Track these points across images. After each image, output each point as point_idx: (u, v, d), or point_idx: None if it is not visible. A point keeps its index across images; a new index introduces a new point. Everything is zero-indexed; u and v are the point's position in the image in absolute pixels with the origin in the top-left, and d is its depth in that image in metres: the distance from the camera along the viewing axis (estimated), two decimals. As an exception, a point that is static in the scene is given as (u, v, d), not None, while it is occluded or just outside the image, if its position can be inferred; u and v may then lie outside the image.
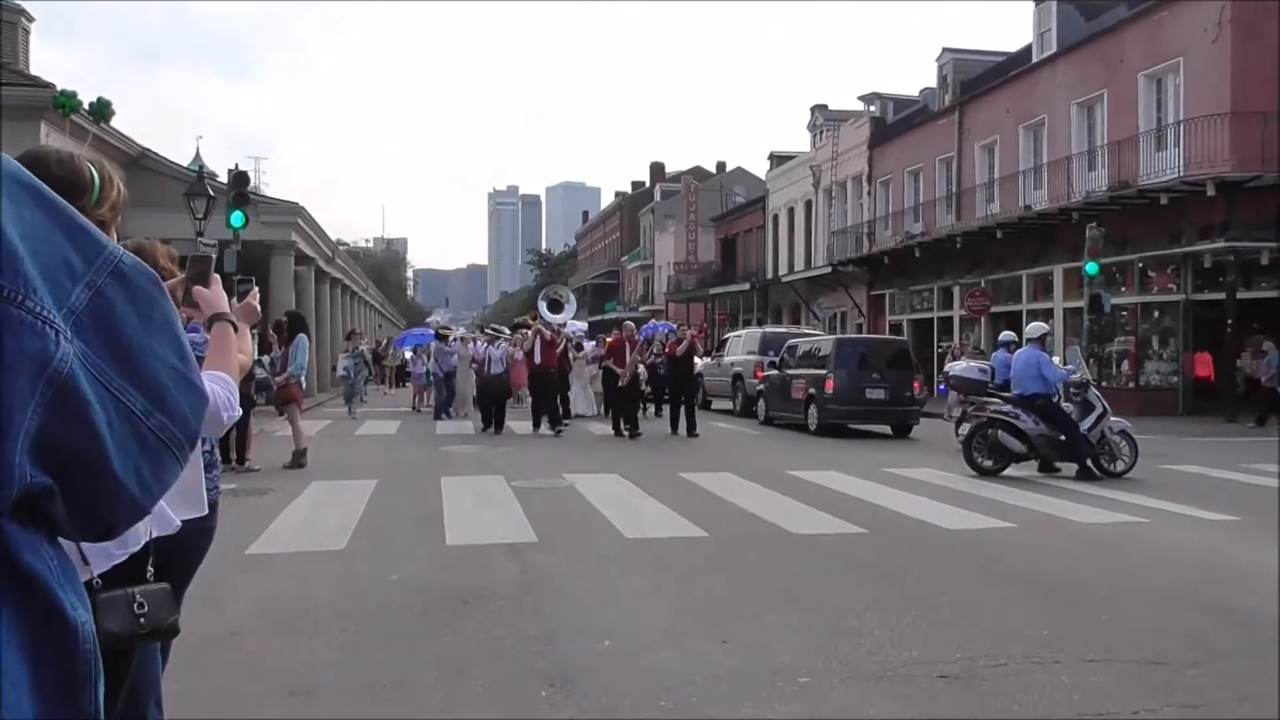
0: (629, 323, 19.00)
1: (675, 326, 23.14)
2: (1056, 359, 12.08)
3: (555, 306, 19.57)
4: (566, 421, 17.53)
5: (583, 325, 29.49)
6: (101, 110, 16.93)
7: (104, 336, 0.85)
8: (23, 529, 0.82)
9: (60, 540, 0.90)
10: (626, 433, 15.82)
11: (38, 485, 0.82)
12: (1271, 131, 19.25)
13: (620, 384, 16.36)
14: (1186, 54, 20.94)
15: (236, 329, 2.23)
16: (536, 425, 16.58)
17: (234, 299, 2.48)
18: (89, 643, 0.87)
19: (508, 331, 22.61)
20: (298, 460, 11.25)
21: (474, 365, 19.30)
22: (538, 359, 16.58)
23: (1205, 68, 20.40)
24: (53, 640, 0.84)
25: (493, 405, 16.82)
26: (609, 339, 18.95)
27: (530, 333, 17.55)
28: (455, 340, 21.19)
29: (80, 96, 16.65)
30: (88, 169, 1.84)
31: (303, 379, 11.88)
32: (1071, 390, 11.48)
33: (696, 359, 18.60)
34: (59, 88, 16.62)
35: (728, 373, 22.21)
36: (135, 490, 0.88)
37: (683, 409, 16.35)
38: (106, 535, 0.93)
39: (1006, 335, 14.78)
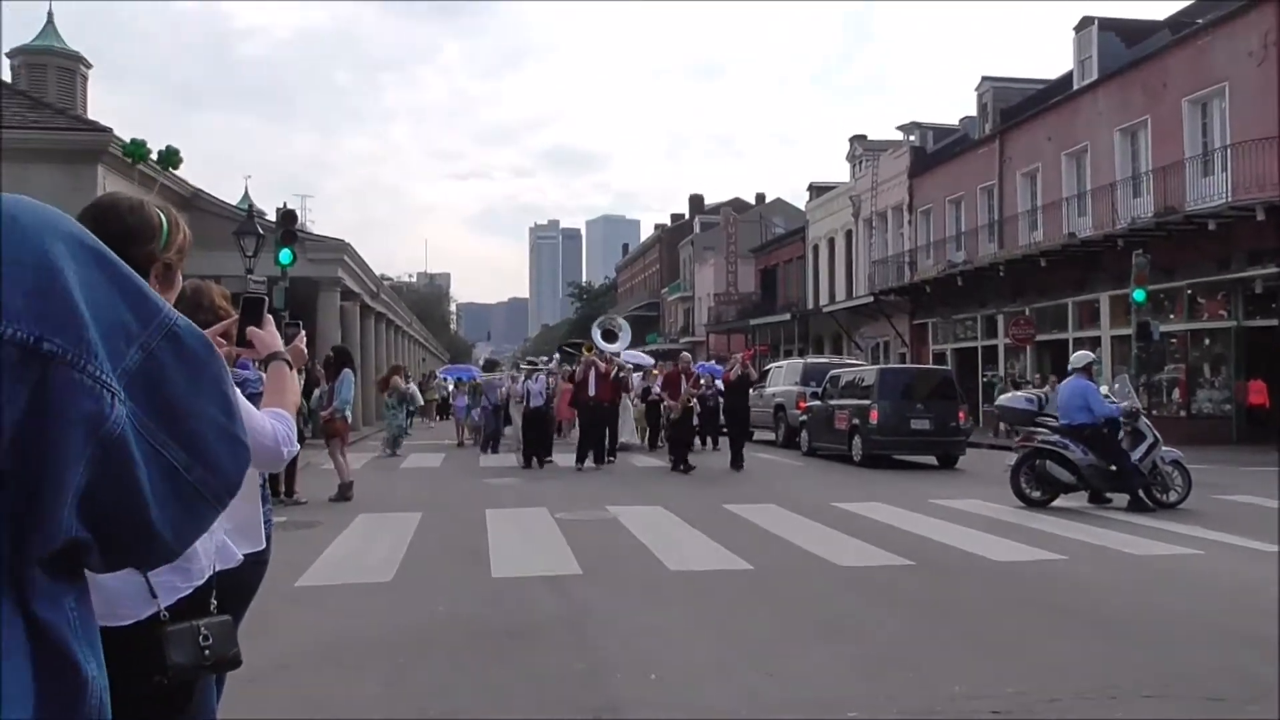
0: (685, 354, 18.66)
1: (721, 366, 22.79)
2: (1104, 388, 11.87)
3: (609, 336, 19.26)
4: (611, 459, 16.87)
5: (648, 359, 28.03)
6: (170, 158, 17.48)
7: (153, 395, 0.87)
8: (49, 580, 0.85)
9: (126, 574, 0.92)
10: (682, 468, 15.25)
11: (79, 539, 0.85)
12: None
13: (673, 417, 15.98)
14: (1231, 78, 20.70)
15: (292, 367, 2.29)
16: (581, 460, 15.94)
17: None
18: (96, 697, 0.88)
19: (544, 360, 22.56)
20: (343, 494, 11.37)
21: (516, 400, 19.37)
22: (591, 390, 16.09)
23: (1251, 92, 20.14)
24: (63, 692, 0.86)
25: (535, 440, 16.45)
26: (664, 370, 18.75)
27: (583, 363, 17.08)
28: (501, 375, 21.10)
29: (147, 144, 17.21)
30: (156, 215, 1.91)
31: (348, 413, 12.00)
32: (1122, 420, 11.28)
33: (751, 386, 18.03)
34: (117, 133, 17.13)
35: (770, 404, 22.12)
36: (169, 539, 0.91)
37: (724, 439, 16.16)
38: (131, 567, 0.97)
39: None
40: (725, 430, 17.30)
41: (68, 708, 0.86)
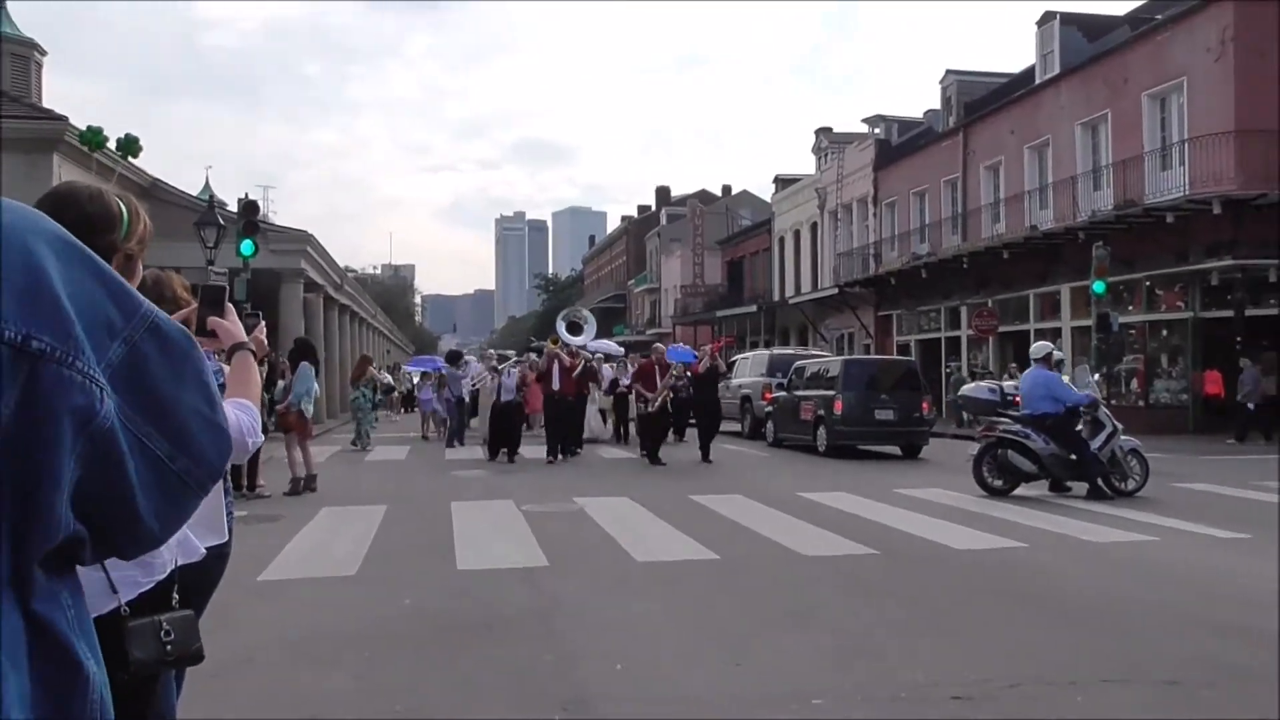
0: (659, 345, 18.37)
1: (695, 352, 22.36)
2: (1065, 377, 12.05)
3: (574, 329, 19.04)
4: (577, 451, 16.85)
5: (618, 348, 26.68)
6: (129, 146, 17.14)
7: (137, 388, 0.89)
8: (46, 577, 0.85)
9: (86, 569, 0.93)
10: (650, 459, 15.19)
11: (77, 534, 0.86)
12: (1276, 149, 19.29)
13: (649, 409, 15.74)
14: (1190, 73, 21.02)
15: (256, 356, 2.26)
16: (552, 454, 15.74)
17: None
18: (97, 693, 0.90)
19: (514, 355, 22.30)
20: (303, 486, 11.27)
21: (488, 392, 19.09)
22: (555, 384, 16.00)
23: (1209, 87, 20.47)
24: (64, 687, 0.87)
25: (504, 433, 16.17)
26: (640, 362, 18.37)
27: (546, 355, 16.96)
28: (466, 365, 20.62)
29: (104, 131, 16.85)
30: (116, 203, 1.88)
31: (307, 407, 11.76)
32: (1082, 410, 11.44)
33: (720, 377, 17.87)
34: (70, 120, 16.81)
35: (736, 395, 22.20)
36: (155, 528, 0.92)
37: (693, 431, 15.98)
38: (116, 556, 0.98)
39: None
40: (694, 422, 17.20)
41: (69, 705, 0.87)
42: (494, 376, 16.81)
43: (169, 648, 1.90)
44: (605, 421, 20.24)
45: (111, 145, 17.11)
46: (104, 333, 0.87)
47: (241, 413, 2.01)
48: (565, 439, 16.23)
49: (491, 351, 18.83)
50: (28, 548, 0.82)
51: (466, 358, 25.27)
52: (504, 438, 16.12)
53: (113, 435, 0.86)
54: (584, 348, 18.71)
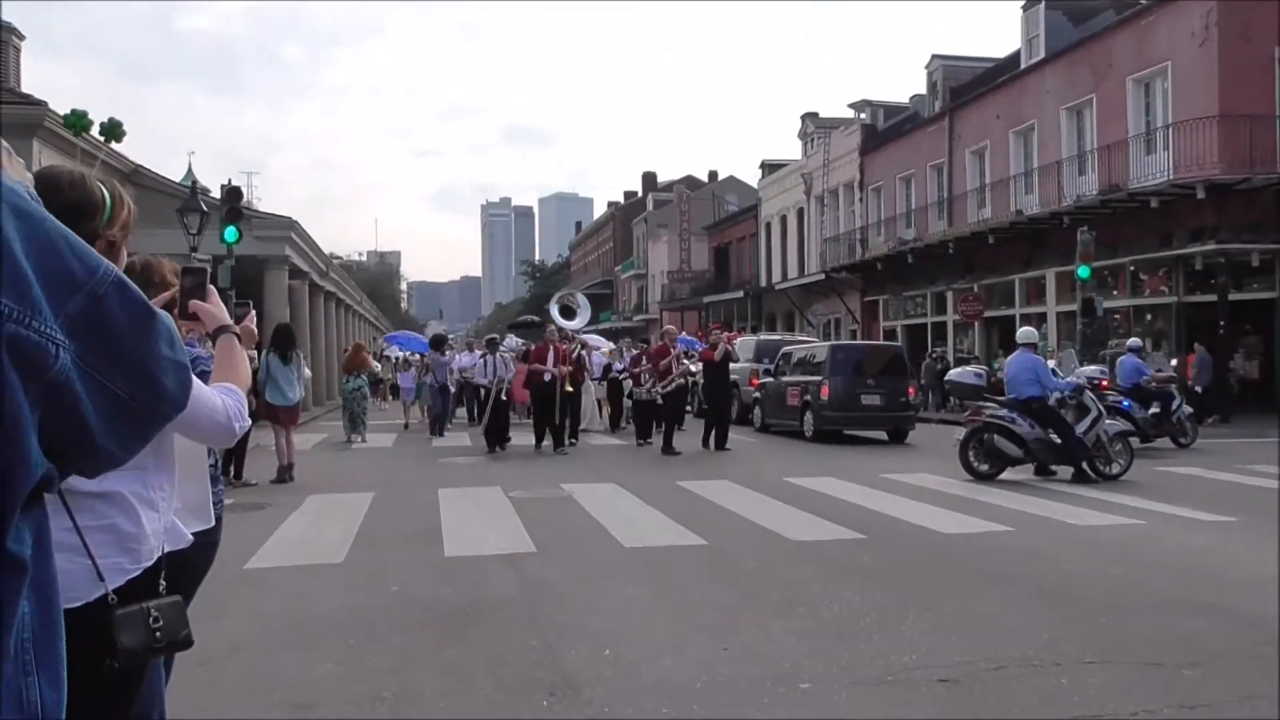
0: (670, 328, 17.75)
1: (699, 340, 21.27)
2: (1051, 363, 12.13)
3: (567, 313, 18.40)
4: (573, 441, 15.98)
5: (603, 341, 24.80)
6: (113, 130, 16.90)
7: (98, 336, 0.96)
8: (21, 517, 0.92)
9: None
10: (664, 448, 14.67)
11: (49, 473, 0.94)
12: (1260, 134, 19.40)
13: (661, 391, 15.22)
14: (1174, 58, 21.08)
15: (241, 340, 2.24)
16: (539, 442, 15.22)
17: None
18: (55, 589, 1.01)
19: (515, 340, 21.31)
20: (284, 476, 11.26)
21: (460, 377, 18.78)
22: (550, 369, 15.14)
23: (1193, 71, 20.53)
24: (47, 616, 0.99)
25: (504, 427, 15.49)
26: (653, 347, 17.74)
27: (545, 340, 16.05)
28: (451, 352, 19.91)
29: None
30: (99, 189, 1.86)
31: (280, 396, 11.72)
32: (1068, 395, 11.52)
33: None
34: (50, 105, 16.64)
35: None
36: (115, 452, 1.01)
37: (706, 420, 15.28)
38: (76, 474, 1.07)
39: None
40: (705, 408, 16.35)
41: (47, 621, 0.98)
42: (491, 364, 16.14)
43: (158, 634, 1.89)
44: (601, 411, 19.73)
45: (95, 130, 16.93)
46: (65, 287, 0.93)
47: (227, 397, 2.00)
48: (557, 429, 15.39)
49: (493, 338, 17.63)
50: (13, 494, 0.89)
51: (451, 342, 24.47)
52: (503, 432, 15.47)
53: (68, 383, 0.93)
54: (578, 333, 18.14)
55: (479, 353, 17.94)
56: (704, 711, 3.86)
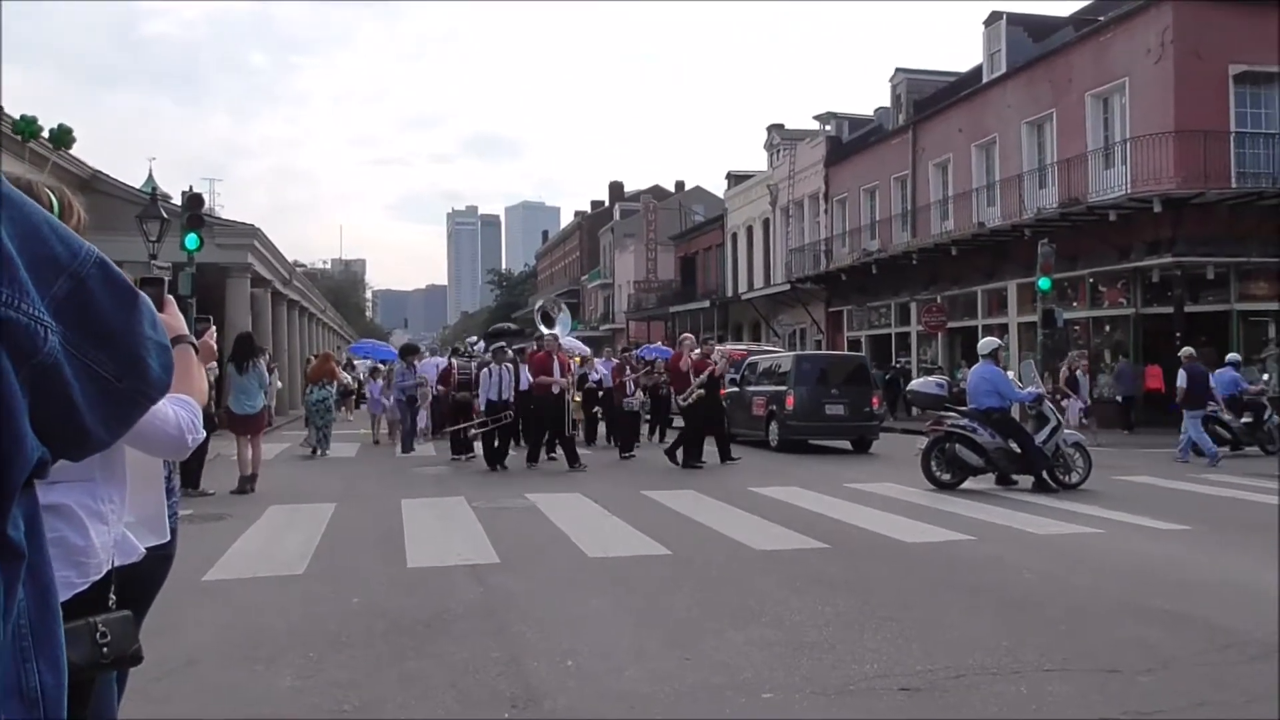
0: (688, 336, 17.03)
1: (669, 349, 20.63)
2: (1011, 373, 12.28)
3: (547, 320, 17.69)
4: (553, 456, 15.03)
5: (582, 347, 22.84)
6: (61, 137, 16.61)
7: (85, 318, 0.97)
8: (14, 502, 0.93)
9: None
10: (698, 464, 14.01)
11: (43, 456, 0.95)
12: (1213, 149, 19.80)
13: (684, 404, 14.50)
14: (1131, 75, 21.47)
15: (198, 350, 2.22)
16: (535, 458, 14.28)
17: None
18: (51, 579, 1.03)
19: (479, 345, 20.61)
20: (244, 486, 11.13)
21: (437, 390, 18.01)
22: (556, 381, 14.20)
23: (1149, 88, 20.93)
24: (39, 598, 1.00)
25: (505, 441, 14.39)
26: (632, 363, 17.52)
27: (546, 347, 14.99)
28: (425, 360, 18.87)
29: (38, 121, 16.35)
30: (47, 195, 1.83)
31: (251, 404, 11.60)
32: (1029, 404, 11.67)
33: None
34: (7, 112, 16.35)
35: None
36: (101, 434, 1.02)
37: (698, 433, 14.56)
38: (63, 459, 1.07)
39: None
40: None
41: (41, 604, 1.00)
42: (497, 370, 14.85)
43: (105, 650, 1.85)
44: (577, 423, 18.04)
45: (45, 135, 16.66)
46: (49, 270, 0.94)
47: (181, 408, 1.97)
48: (570, 444, 14.33)
49: (501, 346, 16.24)
50: (12, 479, 0.90)
51: (424, 350, 22.86)
52: (503, 449, 14.25)
53: (56, 367, 0.93)
54: (556, 339, 17.38)
55: (476, 361, 16.44)
56: (666, 722, 3.86)
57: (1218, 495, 10.70)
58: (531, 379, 14.58)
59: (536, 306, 19.25)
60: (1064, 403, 17.16)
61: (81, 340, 0.96)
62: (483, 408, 14.57)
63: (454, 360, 17.94)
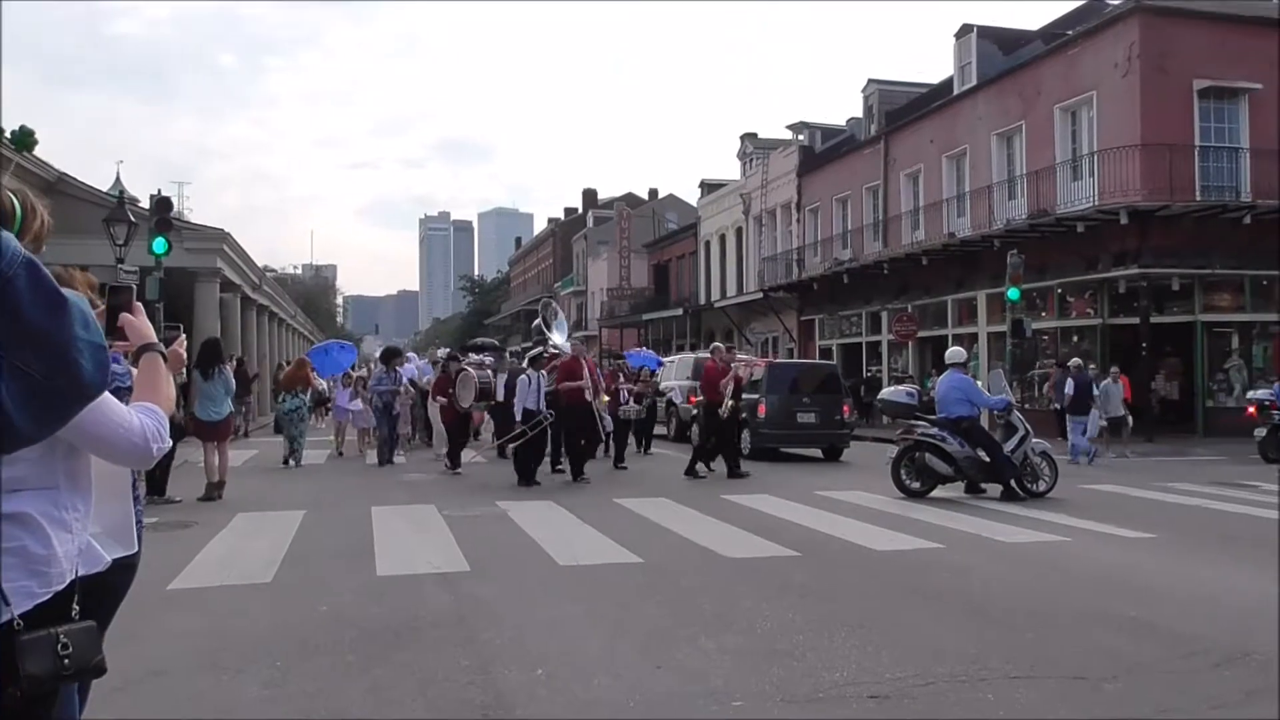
0: (719, 345, 16.77)
1: (659, 358, 20.09)
2: (980, 382, 12.39)
3: (545, 325, 16.59)
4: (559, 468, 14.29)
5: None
6: (23, 140, 16.37)
7: (13, 318, 0.97)
8: None
9: None
10: (731, 471, 13.70)
11: None
12: (1179, 162, 20.12)
13: (722, 413, 13.89)
14: (1099, 88, 21.77)
15: (166, 359, 2.19)
16: (580, 470, 13.31)
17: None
18: None
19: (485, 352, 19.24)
20: (211, 494, 11.02)
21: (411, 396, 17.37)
22: (588, 387, 13.62)
23: (1116, 101, 21.23)
24: None
25: (538, 450, 13.43)
26: (705, 363, 15.65)
27: (573, 352, 14.65)
28: (407, 363, 17.56)
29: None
30: (9, 198, 1.80)
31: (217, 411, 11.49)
32: (997, 413, 11.77)
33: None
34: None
35: (661, 398, 22.24)
36: (30, 430, 1.03)
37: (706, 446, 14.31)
38: None
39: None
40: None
41: None
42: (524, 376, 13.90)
43: (66, 661, 1.82)
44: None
45: (6, 138, 16.44)
46: None
47: (146, 417, 1.94)
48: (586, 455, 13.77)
49: (539, 354, 15.19)
50: None
51: (408, 354, 20.96)
52: (536, 457, 13.32)
53: None
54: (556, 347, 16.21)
55: (506, 368, 15.62)
56: (637, 731, 3.85)
57: (1183, 504, 10.84)
58: (559, 386, 13.78)
59: (541, 305, 17.85)
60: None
61: (9, 340, 0.96)
62: (518, 416, 13.47)
63: (464, 367, 15.70)
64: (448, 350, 23.21)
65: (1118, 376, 17.88)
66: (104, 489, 2.07)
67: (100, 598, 2.25)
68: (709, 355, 15.48)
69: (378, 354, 19.89)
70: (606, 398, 14.91)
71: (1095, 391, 16.74)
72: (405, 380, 17.30)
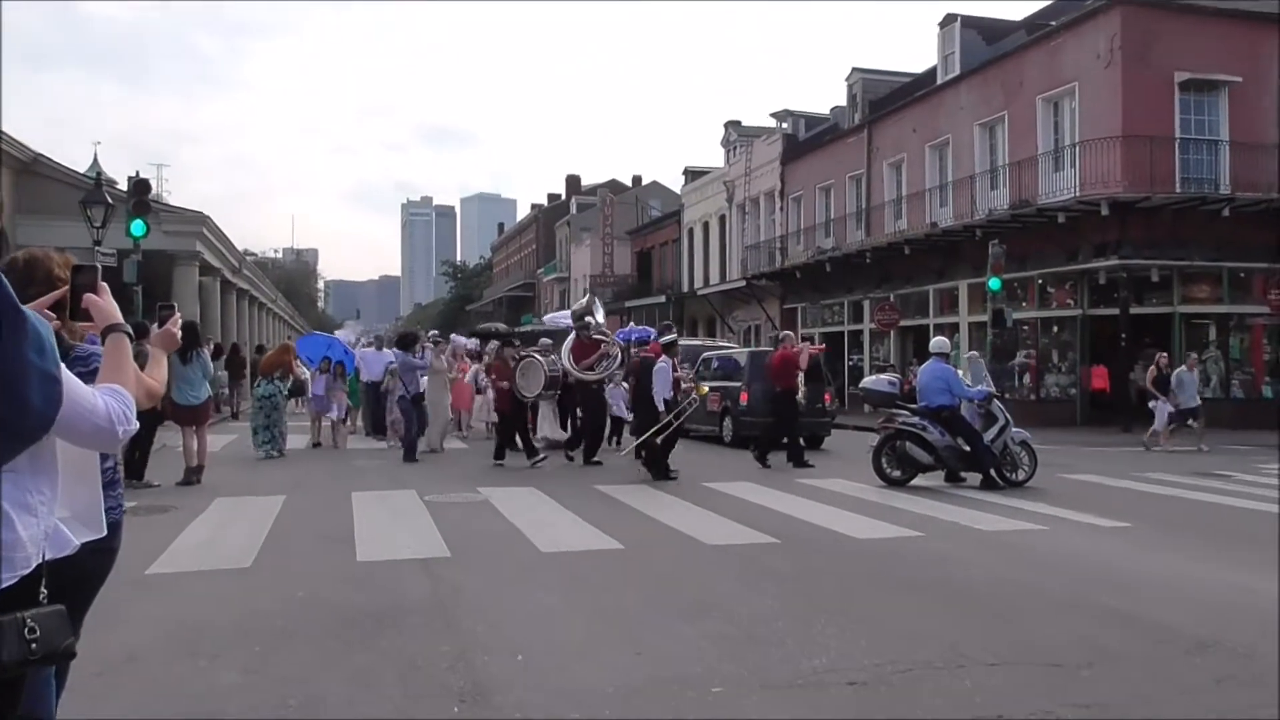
0: (788, 333, 16.40)
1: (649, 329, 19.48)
2: (961, 372, 12.45)
3: (589, 312, 15.52)
4: (572, 456, 14.22)
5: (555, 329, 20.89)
6: None
7: None
8: None
9: None
10: (795, 462, 13.58)
11: None
12: (1159, 154, 20.24)
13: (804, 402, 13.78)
14: (1081, 79, 21.85)
15: (133, 339, 2.17)
16: (593, 453, 13.71)
17: (155, 324, 2.44)
18: None
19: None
20: (190, 478, 10.96)
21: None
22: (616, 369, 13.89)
23: (1098, 92, 21.31)
24: None
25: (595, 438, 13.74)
26: (777, 351, 15.18)
27: (594, 334, 14.54)
28: (425, 349, 16.45)
29: None
30: None
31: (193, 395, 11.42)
32: (977, 403, 11.83)
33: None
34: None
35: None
36: None
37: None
38: None
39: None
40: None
41: None
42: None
43: (34, 646, 1.79)
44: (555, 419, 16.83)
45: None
46: None
47: (112, 399, 1.91)
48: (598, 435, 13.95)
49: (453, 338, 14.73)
50: None
51: (425, 342, 18.64)
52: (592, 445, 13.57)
53: None
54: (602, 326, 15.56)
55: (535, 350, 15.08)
56: (615, 716, 3.86)
57: (1159, 494, 10.95)
58: (574, 369, 13.85)
59: (583, 306, 16.86)
60: (1151, 405, 16.69)
61: None
62: (660, 407, 12.76)
63: (530, 354, 14.87)
64: (476, 334, 22.38)
65: (1193, 365, 17.19)
66: (69, 473, 2.03)
67: (76, 583, 2.24)
68: (777, 345, 15.37)
69: (371, 337, 19.15)
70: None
71: (1172, 384, 16.20)
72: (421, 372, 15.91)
